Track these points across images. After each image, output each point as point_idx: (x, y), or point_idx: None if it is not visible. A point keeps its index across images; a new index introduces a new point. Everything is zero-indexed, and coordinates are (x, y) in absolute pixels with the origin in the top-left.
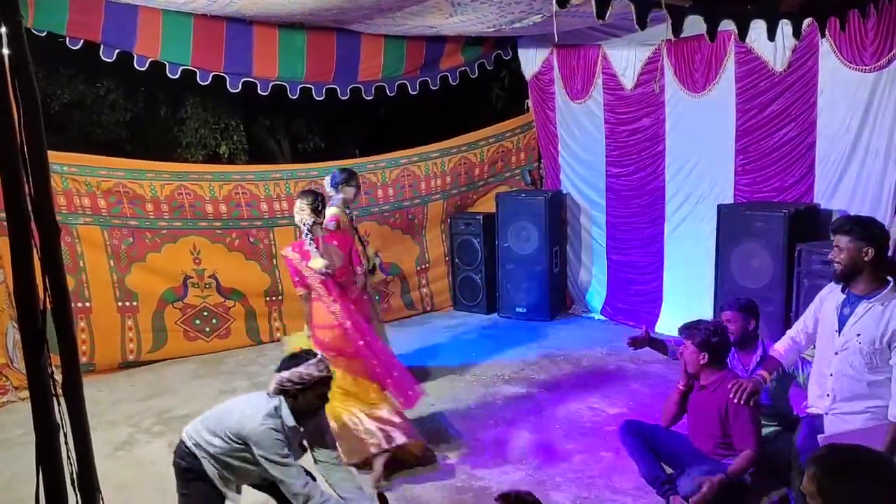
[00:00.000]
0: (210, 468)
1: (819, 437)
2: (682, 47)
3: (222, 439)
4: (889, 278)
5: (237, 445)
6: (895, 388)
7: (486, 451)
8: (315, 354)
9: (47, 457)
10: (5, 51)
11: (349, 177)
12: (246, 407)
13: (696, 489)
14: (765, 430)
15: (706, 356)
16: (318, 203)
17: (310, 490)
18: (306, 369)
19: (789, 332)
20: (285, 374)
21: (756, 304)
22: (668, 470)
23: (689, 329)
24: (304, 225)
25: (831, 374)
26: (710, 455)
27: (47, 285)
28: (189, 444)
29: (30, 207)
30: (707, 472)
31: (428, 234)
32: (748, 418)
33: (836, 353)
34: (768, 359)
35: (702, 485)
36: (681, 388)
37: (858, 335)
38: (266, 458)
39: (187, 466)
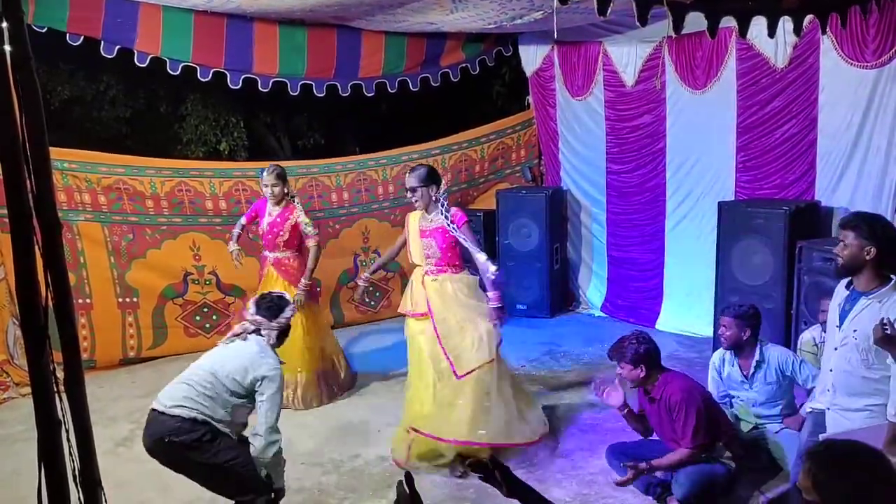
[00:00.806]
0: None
1: (821, 436)
2: (683, 44)
3: (222, 392)
4: (892, 276)
5: (239, 398)
6: (894, 386)
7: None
8: (287, 299)
9: (49, 452)
10: (7, 47)
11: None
12: (243, 357)
13: (687, 491)
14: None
15: (643, 368)
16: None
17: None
18: (291, 313)
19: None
20: (277, 322)
21: (756, 312)
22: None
23: (616, 351)
24: None
25: (831, 370)
26: None
27: (49, 281)
28: (193, 415)
29: (31, 203)
30: (693, 472)
31: None
32: (689, 419)
33: (836, 349)
34: None
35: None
36: (622, 413)
37: (855, 331)
38: (270, 395)
39: (200, 436)
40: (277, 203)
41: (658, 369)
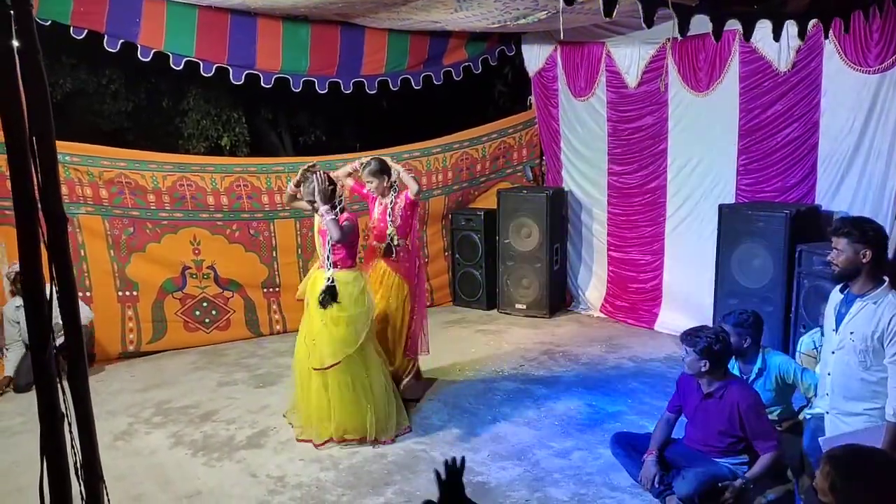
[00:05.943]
0: None
1: (820, 438)
2: (686, 46)
3: None
4: (885, 277)
5: None
6: (891, 387)
7: (485, 447)
8: None
9: (52, 445)
10: (15, 42)
11: None
12: None
13: (692, 489)
14: None
15: (707, 363)
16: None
17: None
18: None
19: None
20: None
21: (757, 319)
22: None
23: (690, 336)
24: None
25: (829, 374)
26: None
27: (54, 275)
28: None
29: (37, 196)
30: (701, 472)
31: (428, 229)
32: (766, 418)
33: (833, 353)
34: None
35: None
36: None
37: (852, 333)
38: None
39: None
40: (384, 195)
41: (722, 370)
